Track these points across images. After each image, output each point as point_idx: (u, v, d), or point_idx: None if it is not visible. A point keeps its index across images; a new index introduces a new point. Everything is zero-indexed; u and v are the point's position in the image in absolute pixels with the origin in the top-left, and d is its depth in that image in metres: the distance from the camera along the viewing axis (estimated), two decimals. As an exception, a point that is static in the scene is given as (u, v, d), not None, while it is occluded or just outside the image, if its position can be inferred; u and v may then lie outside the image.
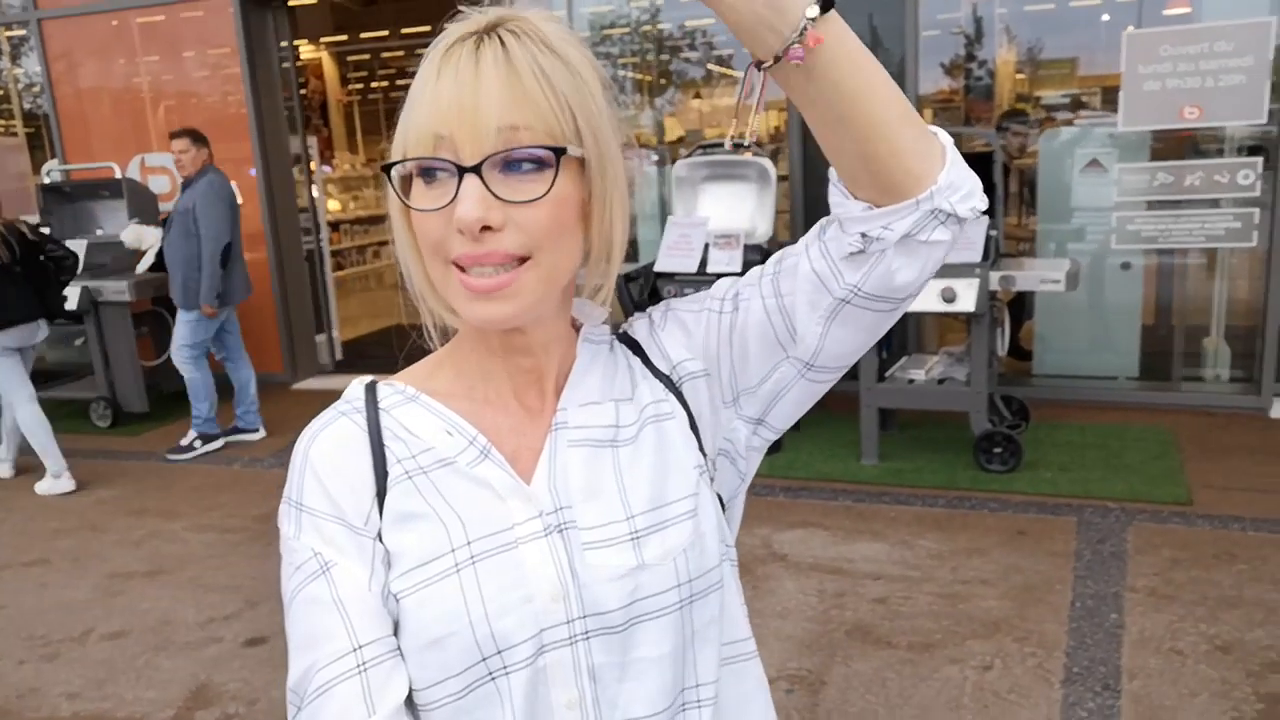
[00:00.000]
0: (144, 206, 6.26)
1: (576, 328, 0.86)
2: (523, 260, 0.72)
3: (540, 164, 0.71)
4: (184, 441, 5.39)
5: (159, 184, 6.74)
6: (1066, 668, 2.78)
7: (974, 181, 0.75)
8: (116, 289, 5.73)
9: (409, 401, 0.82)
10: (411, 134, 0.72)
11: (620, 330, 0.89)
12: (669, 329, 0.86)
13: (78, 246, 5.88)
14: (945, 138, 0.75)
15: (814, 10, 0.66)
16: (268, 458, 5.25)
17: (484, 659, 0.73)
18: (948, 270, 4.06)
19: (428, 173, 0.72)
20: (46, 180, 6.65)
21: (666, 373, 0.85)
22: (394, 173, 0.74)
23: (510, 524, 0.77)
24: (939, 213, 0.72)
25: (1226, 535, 3.53)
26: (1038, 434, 4.61)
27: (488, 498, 0.77)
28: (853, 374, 4.51)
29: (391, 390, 0.83)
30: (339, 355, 7.27)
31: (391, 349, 7.10)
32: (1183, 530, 3.59)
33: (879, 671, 2.83)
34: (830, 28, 0.68)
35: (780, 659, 2.91)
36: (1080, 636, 2.94)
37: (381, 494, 0.77)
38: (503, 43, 0.70)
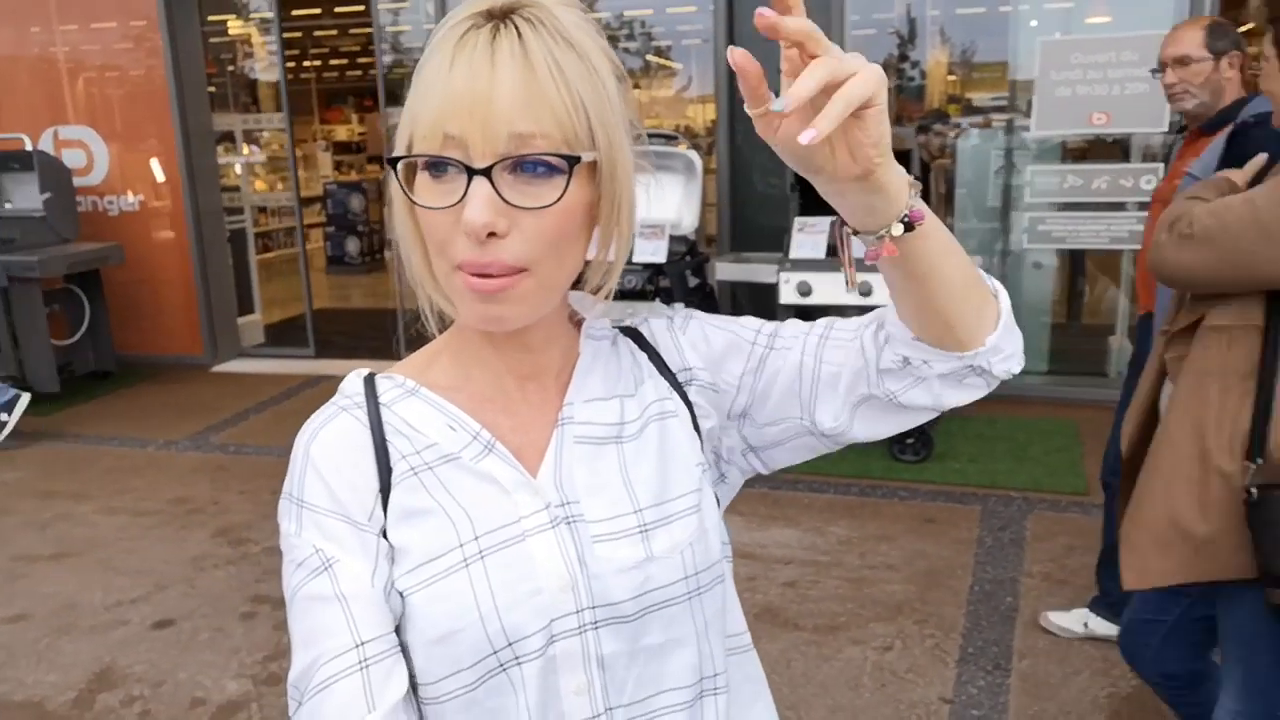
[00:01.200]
0: (56, 179, 6.07)
1: (574, 320, 0.86)
2: (521, 270, 0.71)
3: (551, 169, 0.70)
4: None
5: (74, 157, 6.54)
6: (962, 648, 2.91)
7: (1017, 344, 0.81)
8: (26, 264, 5.55)
9: (409, 395, 0.81)
10: (420, 127, 0.70)
11: (623, 324, 0.89)
12: (690, 334, 0.87)
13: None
14: (1004, 301, 0.80)
15: (898, 229, 0.69)
16: (182, 440, 5.15)
17: (495, 652, 0.74)
18: (864, 265, 4.16)
19: (435, 166, 0.71)
20: (-48, 150, 6.40)
21: (676, 372, 0.86)
22: (403, 165, 0.73)
23: (517, 517, 0.77)
24: (978, 368, 0.79)
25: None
26: (950, 426, 4.77)
27: (493, 492, 0.78)
28: (773, 365, 4.61)
29: (391, 384, 0.82)
30: (262, 338, 7.15)
31: (310, 332, 7.01)
32: (1079, 519, 3.76)
33: (784, 652, 2.92)
34: (911, 241, 0.70)
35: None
36: (976, 619, 3.07)
37: (385, 490, 0.77)
38: (519, 34, 0.68)
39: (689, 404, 0.85)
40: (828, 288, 4.23)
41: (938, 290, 0.73)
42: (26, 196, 6.08)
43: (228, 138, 7.36)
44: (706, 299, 4.85)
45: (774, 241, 4.92)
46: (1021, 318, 3.95)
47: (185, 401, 5.83)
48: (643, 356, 0.87)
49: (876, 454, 4.43)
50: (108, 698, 2.82)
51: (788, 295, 4.28)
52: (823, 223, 4.38)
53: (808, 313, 4.74)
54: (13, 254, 5.62)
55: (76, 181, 6.40)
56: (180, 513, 4.18)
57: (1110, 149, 5.23)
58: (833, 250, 3.93)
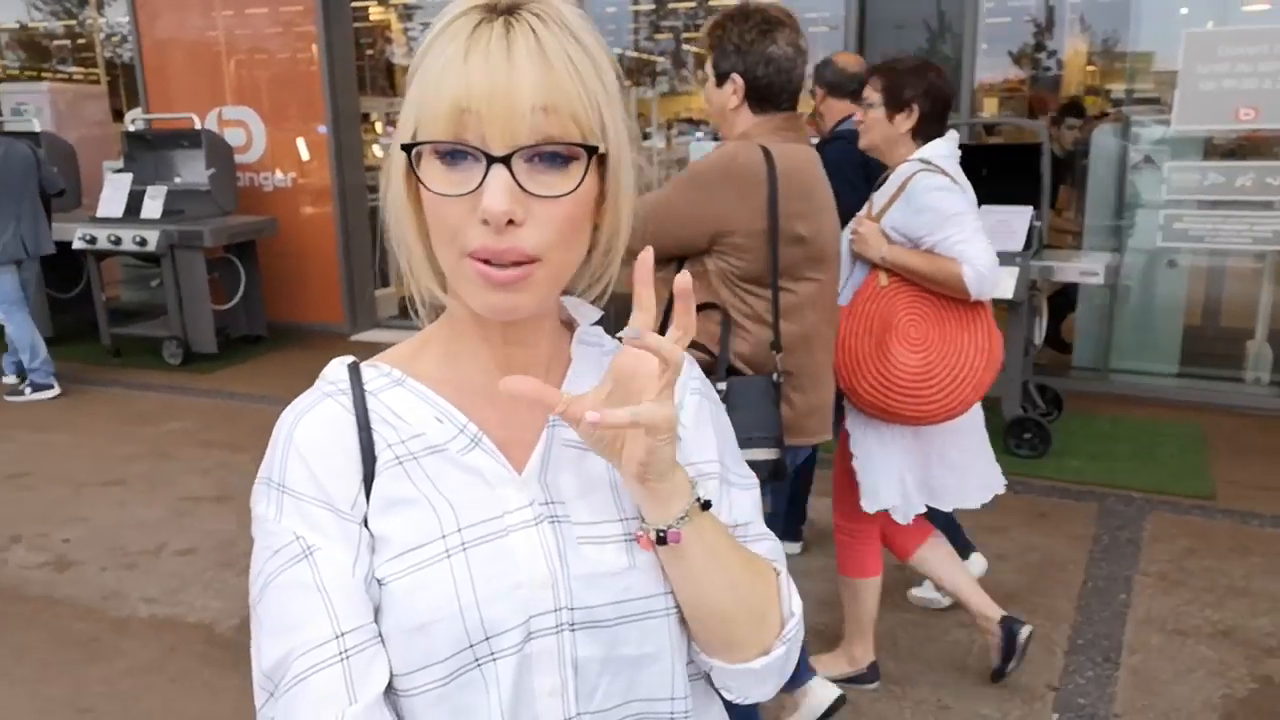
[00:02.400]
0: (220, 156, 6.55)
1: (566, 323, 0.86)
2: (534, 259, 0.71)
3: (568, 159, 0.71)
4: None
5: (235, 136, 7.04)
6: (1070, 639, 2.93)
7: (757, 689, 0.85)
8: (194, 234, 6.04)
9: (395, 385, 0.81)
10: (431, 111, 0.70)
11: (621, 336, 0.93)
12: (689, 404, 0.88)
13: (158, 193, 6.22)
14: (777, 653, 0.83)
15: (653, 534, 0.75)
16: (327, 402, 5.53)
17: (471, 645, 0.73)
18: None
19: (448, 154, 0.70)
20: (131, 128, 6.98)
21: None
22: (418, 154, 0.72)
23: (501, 512, 0.77)
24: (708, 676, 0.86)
25: (1244, 530, 3.63)
26: (1070, 424, 4.71)
27: (478, 485, 0.77)
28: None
29: (376, 373, 0.82)
30: (396, 311, 7.55)
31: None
32: (1201, 522, 3.70)
33: (891, 630, 3.00)
34: (663, 552, 0.76)
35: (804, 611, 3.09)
36: (1088, 613, 3.08)
37: (369, 478, 0.76)
38: (533, 29, 0.69)
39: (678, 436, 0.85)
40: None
41: (685, 599, 0.79)
42: (194, 172, 6.61)
43: (364, 119, 7.78)
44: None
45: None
46: (1155, 317, 3.93)
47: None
48: None
49: (992, 447, 4.41)
50: (267, 626, 3.13)
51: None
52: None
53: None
54: (181, 224, 6.12)
55: (237, 159, 6.89)
56: (325, 467, 4.52)
57: (1258, 145, 5.04)
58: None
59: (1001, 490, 2.62)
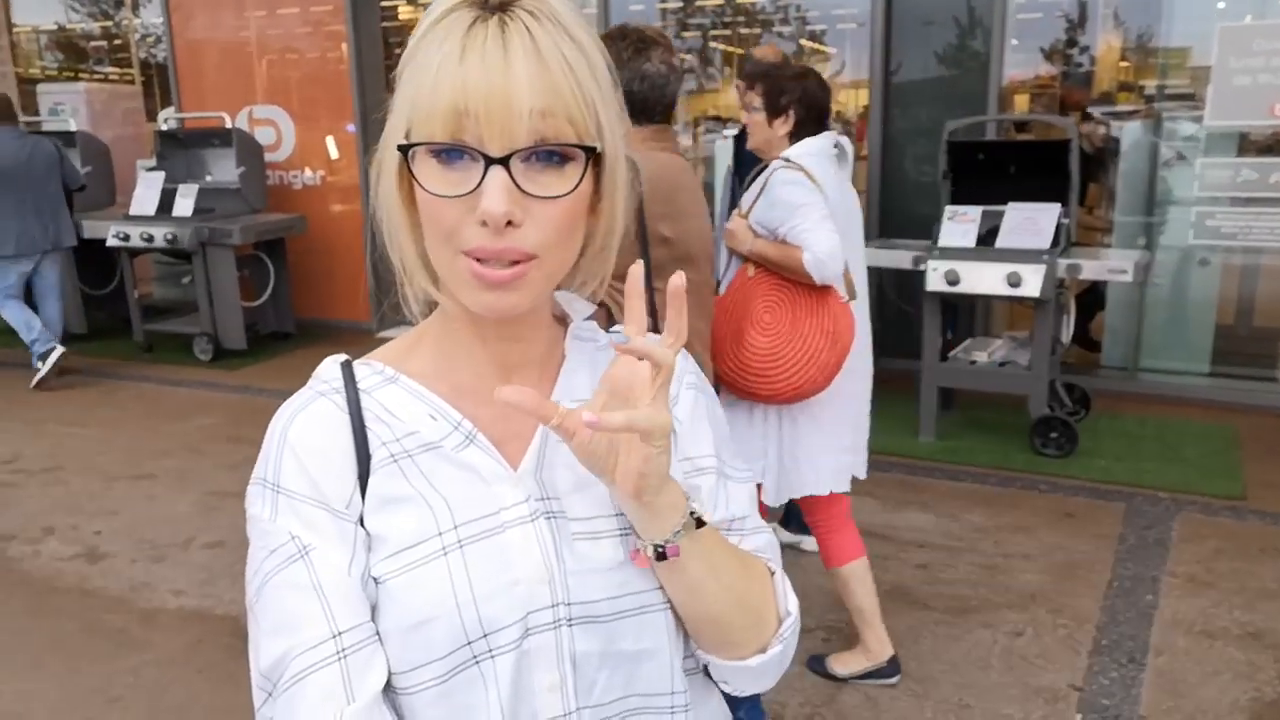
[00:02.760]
0: (250, 155, 6.64)
1: (559, 318, 0.86)
2: (532, 257, 0.71)
3: (564, 159, 0.71)
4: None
5: (265, 135, 7.12)
6: (1095, 640, 2.90)
7: (754, 684, 0.85)
8: (225, 231, 6.12)
9: (388, 383, 0.80)
10: (426, 110, 0.69)
11: (616, 331, 0.89)
12: (683, 399, 0.88)
13: (190, 191, 6.31)
14: (774, 651, 0.83)
15: (650, 551, 0.76)
16: (353, 398, 5.59)
17: (469, 642, 0.73)
18: (1015, 255, 4.14)
19: (445, 154, 0.70)
20: (163, 127, 7.09)
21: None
22: (412, 153, 0.72)
23: (497, 508, 0.77)
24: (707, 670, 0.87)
25: (1275, 531, 3.57)
26: (1097, 423, 4.66)
27: (474, 482, 0.77)
28: (915, 353, 4.62)
29: (369, 370, 0.82)
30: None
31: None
32: (1231, 523, 3.64)
33: (913, 629, 2.99)
34: (661, 568, 0.77)
35: (820, 610, 3.09)
36: (1113, 613, 3.05)
37: (364, 477, 0.76)
38: (528, 28, 0.69)
39: (674, 432, 0.84)
40: (976, 276, 4.21)
41: (682, 608, 0.80)
42: (224, 170, 6.69)
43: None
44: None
45: (922, 229, 4.90)
46: (1185, 315, 3.90)
47: (354, 363, 6.31)
48: None
49: (1017, 445, 4.39)
50: (292, 618, 3.17)
51: (935, 283, 4.29)
52: (974, 211, 4.35)
53: (956, 302, 4.72)
54: (212, 222, 6.20)
55: (266, 157, 6.98)
56: (351, 462, 4.57)
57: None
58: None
59: (862, 475, 2.83)
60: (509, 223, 0.69)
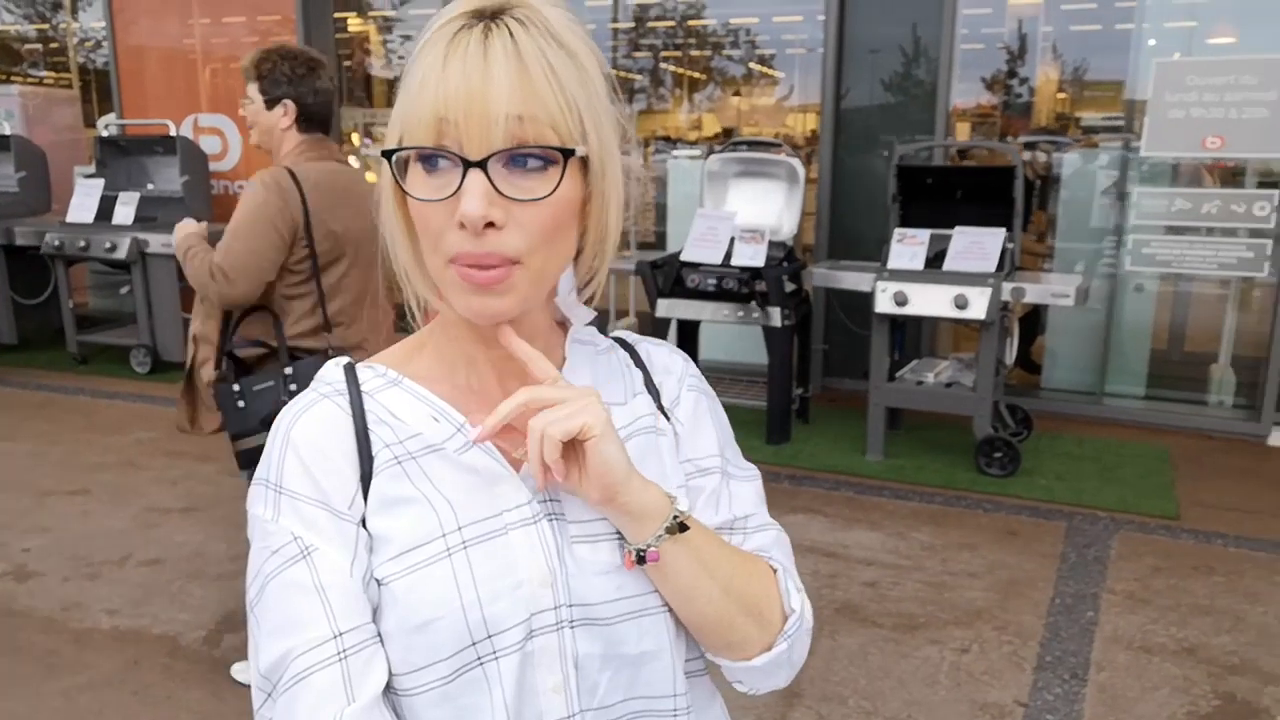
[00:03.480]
0: (195, 164, 6.50)
1: (560, 323, 0.87)
2: (515, 262, 0.72)
3: (545, 162, 0.71)
4: None
5: (210, 144, 6.99)
6: (1039, 656, 2.96)
7: (764, 681, 0.86)
8: (165, 242, 5.97)
9: (391, 385, 0.81)
10: (413, 118, 0.71)
11: (615, 336, 0.91)
12: (684, 402, 0.89)
13: (130, 199, 6.16)
14: (779, 649, 0.84)
15: (634, 555, 0.77)
16: (298, 413, 5.48)
17: (474, 643, 0.73)
18: (963, 278, 4.23)
19: (429, 160, 0.71)
20: (104, 133, 6.91)
21: (665, 406, 0.88)
22: (394, 158, 0.74)
23: (499, 510, 0.77)
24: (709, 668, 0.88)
25: (1208, 549, 3.68)
26: (1039, 444, 4.77)
27: (476, 484, 0.78)
28: (864, 373, 4.69)
29: (372, 373, 0.82)
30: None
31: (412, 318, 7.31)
32: (1167, 541, 3.75)
33: (863, 646, 3.01)
34: (650, 570, 0.78)
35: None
36: (1056, 630, 3.11)
37: (366, 478, 0.76)
38: (511, 34, 0.70)
39: (675, 434, 0.87)
40: (924, 298, 4.29)
41: (677, 609, 0.81)
42: (167, 179, 6.55)
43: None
44: (802, 305, 4.95)
45: (872, 251, 4.99)
46: (1122, 340, 4.03)
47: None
48: (637, 373, 0.88)
49: (962, 465, 4.47)
50: (233, 639, 3.08)
51: (884, 304, 4.36)
52: (922, 234, 4.44)
53: (904, 323, 4.80)
54: (154, 232, 6.05)
55: (212, 166, 6.84)
56: (296, 478, 4.48)
57: (1225, 173, 5.15)
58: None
59: None
60: (489, 225, 0.70)
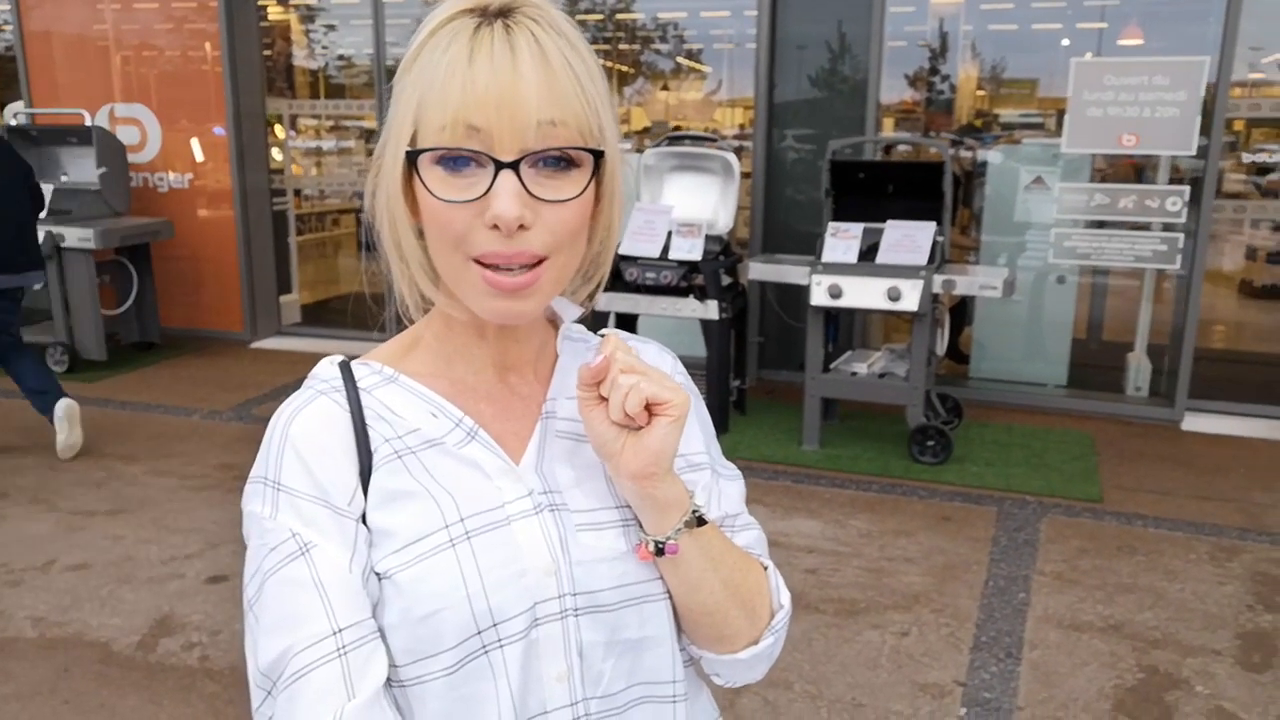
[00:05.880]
0: (112, 155, 6.27)
1: (550, 319, 0.88)
2: (541, 260, 0.73)
3: (570, 162, 0.72)
4: None
5: (128, 134, 6.74)
6: (975, 637, 3.05)
7: (743, 675, 0.88)
8: (82, 236, 5.76)
9: (388, 382, 0.81)
10: (433, 118, 0.70)
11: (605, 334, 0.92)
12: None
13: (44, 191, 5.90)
14: (764, 645, 0.86)
15: (652, 546, 0.79)
16: (226, 411, 5.34)
17: (479, 632, 0.74)
18: (895, 271, 4.33)
19: (452, 161, 0.71)
20: (12, 122, 6.62)
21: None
22: (417, 158, 0.73)
23: (501, 502, 0.78)
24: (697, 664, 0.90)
25: (1130, 531, 3.84)
26: (969, 431, 4.91)
27: (477, 477, 0.78)
28: (799, 364, 4.77)
29: (369, 370, 0.82)
30: (298, 317, 7.34)
31: (345, 315, 7.17)
32: (1091, 524, 3.90)
33: (806, 633, 3.07)
34: (662, 563, 0.80)
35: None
36: (990, 611, 3.21)
37: (365, 474, 0.76)
38: (533, 34, 0.70)
39: None
40: (858, 291, 4.38)
41: (680, 601, 0.82)
42: (83, 170, 6.30)
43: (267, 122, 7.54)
44: (739, 298, 5.01)
45: (805, 245, 5.07)
46: (1044, 330, 4.19)
47: (226, 375, 6.03)
48: None
49: (897, 454, 4.58)
50: (169, 643, 3.00)
51: (819, 297, 4.43)
52: (855, 228, 4.53)
53: (838, 315, 4.89)
54: (69, 225, 5.82)
55: (130, 158, 6.61)
56: (228, 478, 4.37)
57: (1139, 169, 5.37)
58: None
59: None
60: (520, 226, 0.70)
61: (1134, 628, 3.11)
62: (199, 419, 5.23)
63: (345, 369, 0.82)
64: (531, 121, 0.69)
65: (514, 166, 0.70)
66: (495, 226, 0.70)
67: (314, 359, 0.86)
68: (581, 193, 0.73)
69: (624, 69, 7.07)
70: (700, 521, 0.79)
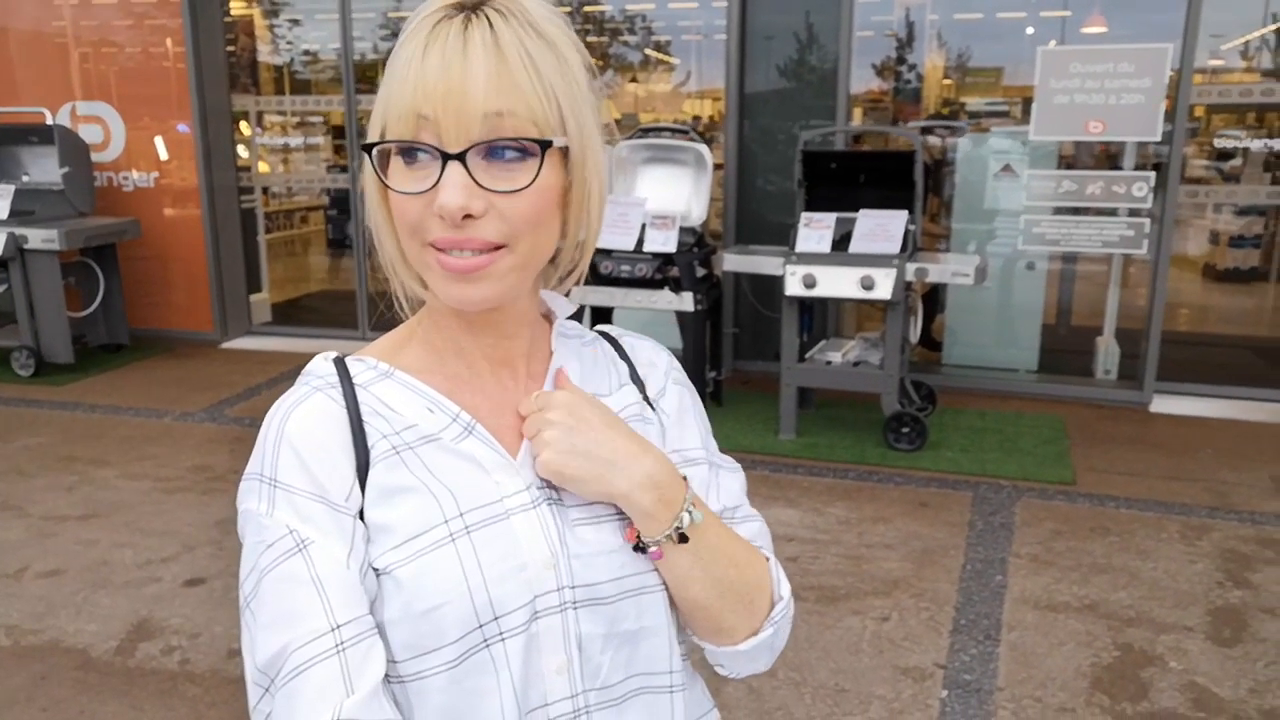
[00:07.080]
0: (75, 154, 6.17)
1: (545, 316, 0.89)
2: (499, 247, 0.73)
3: (524, 153, 0.72)
4: None
5: (91, 133, 6.63)
6: (954, 620, 3.09)
7: (746, 666, 0.90)
8: (46, 237, 5.66)
9: (383, 378, 0.81)
10: (393, 112, 0.71)
11: (600, 330, 0.94)
12: (669, 394, 0.92)
13: (5, 192, 5.81)
14: (765, 635, 0.86)
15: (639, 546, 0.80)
16: (198, 412, 5.28)
17: (480, 626, 0.74)
18: (868, 260, 4.36)
19: (408, 153, 0.72)
20: (-30, 122, 6.49)
21: (650, 397, 0.90)
22: (374, 150, 0.74)
23: (499, 496, 0.78)
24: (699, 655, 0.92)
25: (1103, 512, 3.90)
26: (943, 418, 4.96)
27: (475, 472, 0.78)
28: (774, 354, 4.79)
29: (363, 366, 0.82)
30: (269, 316, 7.26)
31: (316, 312, 7.12)
32: (1065, 506, 3.96)
33: (788, 620, 3.09)
34: (677, 554, 0.81)
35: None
36: (968, 594, 3.25)
37: (363, 470, 0.76)
38: (491, 24, 0.70)
39: (661, 424, 0.89)
40: (832, 280, 4.40)
41: (675, 595, 0.83)
42: (45, 170, 6.19)
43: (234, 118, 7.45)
44: (714, 289, 5.02)
45: (778, 235, 5.09)
46: (1015, 316, 4.23)
47: (197, 375, 5.95)
48: (622, 365, 0.91)
49: (872, 442, 4.61)
50: (148, 647, 2.97)
51: (793, 287, 4.46)
52: (828, 218, 4.55)
53: (812, 304, 4.92)
54: (32, 226, 5.72)
55: (94, 157, 6.50)
56: (202, 480, 4.32)
57: (1107, 155, 5.44)
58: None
59: None
60: (469, 216, 0.71)
61: (1109, 607, 3.16)
62: (171, 421, 5.17)
63: (340, 365, 0.82)
64: (478, 113, 0.69)
65: (460, 158, 0.70)
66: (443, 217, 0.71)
67: (286, 358, 0.86)
68: (531, 183, 0.72)
69: (594, 61, 7.05)
70: (683, 539, 0.80)
